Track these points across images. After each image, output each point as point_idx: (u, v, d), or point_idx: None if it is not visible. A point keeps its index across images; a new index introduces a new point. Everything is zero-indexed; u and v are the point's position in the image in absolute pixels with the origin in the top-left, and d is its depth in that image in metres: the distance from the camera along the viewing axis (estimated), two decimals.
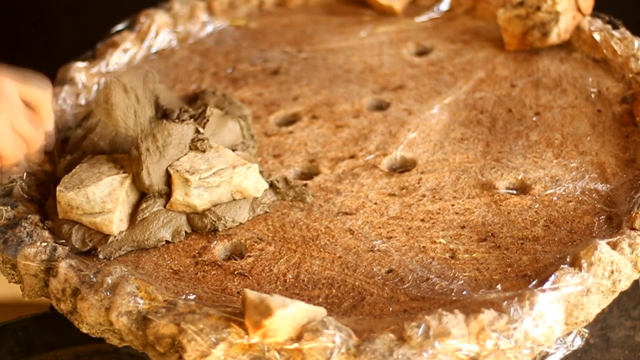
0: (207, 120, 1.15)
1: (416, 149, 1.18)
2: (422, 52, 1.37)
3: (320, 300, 0.99)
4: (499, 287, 0.98)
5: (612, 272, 0.97)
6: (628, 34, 1.28)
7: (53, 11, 1.94)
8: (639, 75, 1.22)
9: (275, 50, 1.40)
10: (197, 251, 1.07)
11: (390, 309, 0.97)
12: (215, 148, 1.12)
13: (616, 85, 1.23)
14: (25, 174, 1.14)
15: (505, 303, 0.92)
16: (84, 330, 1.00)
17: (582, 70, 1.27)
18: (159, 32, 1.42)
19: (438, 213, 1.09)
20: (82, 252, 1.06)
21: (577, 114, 1.21)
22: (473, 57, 1.34)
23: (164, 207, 1.09)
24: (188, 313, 0.94)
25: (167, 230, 1.08)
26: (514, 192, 1.11)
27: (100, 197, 1.06)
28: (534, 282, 0.97)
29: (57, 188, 1.07)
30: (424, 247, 1.04)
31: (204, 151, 1.11)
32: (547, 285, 0.94)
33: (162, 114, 1.18)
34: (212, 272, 1.04)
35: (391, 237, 1.06)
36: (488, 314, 0.91)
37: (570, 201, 1.08)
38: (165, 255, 1.07)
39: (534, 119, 1.21)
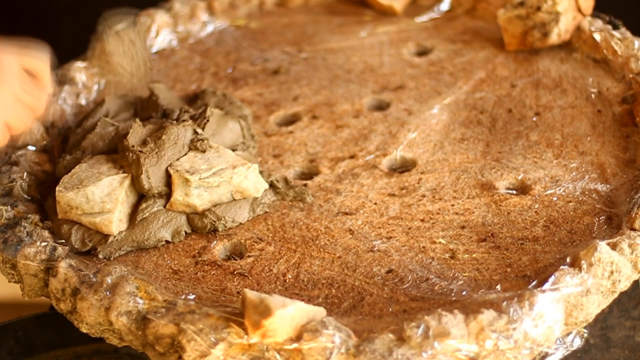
0: (208, 121, 1.15)
1: (416, 149, 1.18)
2: (422, 52, 1.37)
3: (320, 300, 0.99)
4: (498, 287, 0.98)
5: (611, 272, 0.97)
6: (628, 34, 1.28)
7: (53, 11, 1.94)
8: (639, 76, 1.22)
9: (275, 50, 1.40)
10: (197, 251, 1.07)
11: (390, 309, 0.97)
12: (215, 148, 1.12)
13: (616, 86, 1.23)
14: (25, 173, 1.14)
15: (504, 303, 0.92)
16: (84, 330, 1.00)
17: (582, 70, 1.27)
18: (160, 32, 1.42)
19: (438, 213, 1.09)
20: (82, 252, 1.06)
21: (577, 114, 1.21)
22: (473, 57, 1.34)
23: (164, 207, 1.09)
24: (188, 313, 0.94)
25: (167, 230, 1.08)
26: (514, 192, 1.11)
27: (100, 197, 1.06)
28: (533, 283, 0.97)
29: (57, 188, 1.07)
30: (423, 247, 1.04)
31: (204, 151, 1.11)
32: (546, 285, 0.94)
33: (162, 114, 1.18)
34: (212, 272, 1.04)
35: (391, 237, 1.06)
36: (487, 315, 0.91)
37: (570, 201, 1.08)
38: (165, 255, 1.07)
39: (534, 119, 1.21)
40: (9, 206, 1.09)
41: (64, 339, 1.14)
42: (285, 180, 1.14)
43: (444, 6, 1.45)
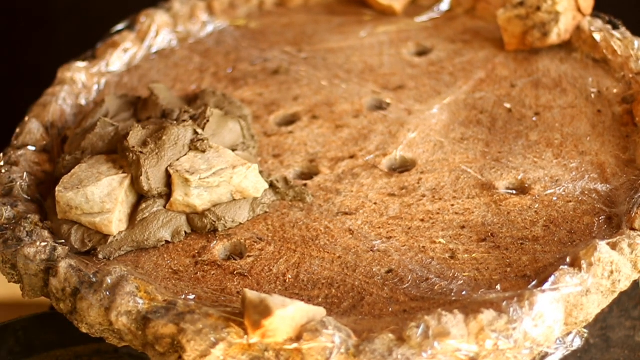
0: (207, 121, 1.15)
1: (416, 149, 1.18)
2: (422, 52, 1.37)
3: (320, 300, 0.99)
4: (498, 287, 0.98)
5: (611, 272, 0.97)
6: (628, 34, 1.28)
7: (53, 11, 1.94)
8: (639, 76, 1.22)
9: (275, 50, 1.40)
10: (196, 251, 1.07)
11: (390, 309, 0.97)
12: (215, 148, 1.12)
13: (616, 86, 1.23)
14: (25, 173, 1.14)
15: (504, 303, 0.92)
16: (84, 330, 1.00)
17: (582, 70, 1.27)
18: (159, 32, 1.42)
19: (438, 213, 1.09)
20: (82, 252, 1.06)
21: (577, 114, 1.21)
22: (473, 57, 1.34)
23: (164, 207, 1.09)
24: (187, 313, 0.94)
25: (166, 230, 1.08)
26: (514, 192, 1.11)
27: (100, 197, 1.06)
28: (533, 283, 0.97)
29: (57, 188, 1.07)
30: (423, 247, 1.04)
31: (204, 151, 1.11)
32: (546, 285, 0.94)
33: (162, 114, 1.18)
34: (212, 272, 1.04)
35: (391, 237, 1.06)
36: (487, 314, 0.91)
37: (570, 201, 1.08)
38: (165, 255, 1.07)
39: (534, 119, 1.21)
40: (9, 206, 1.09)
41: (64, 339, 1.14)
42: (285, 180, 1.14)
43: (444, 6, 1.45)
